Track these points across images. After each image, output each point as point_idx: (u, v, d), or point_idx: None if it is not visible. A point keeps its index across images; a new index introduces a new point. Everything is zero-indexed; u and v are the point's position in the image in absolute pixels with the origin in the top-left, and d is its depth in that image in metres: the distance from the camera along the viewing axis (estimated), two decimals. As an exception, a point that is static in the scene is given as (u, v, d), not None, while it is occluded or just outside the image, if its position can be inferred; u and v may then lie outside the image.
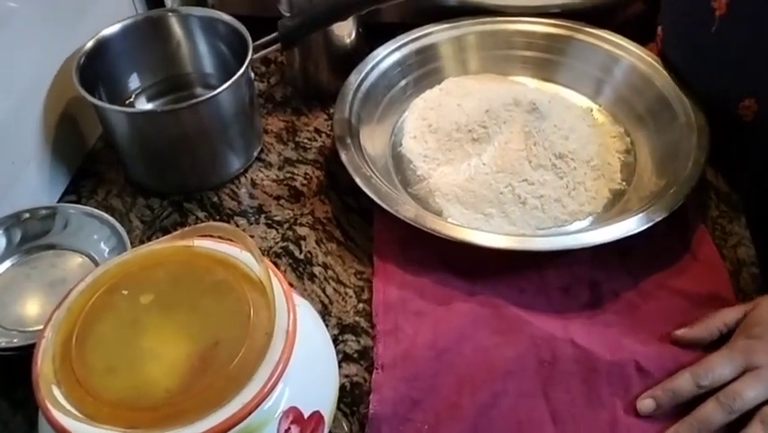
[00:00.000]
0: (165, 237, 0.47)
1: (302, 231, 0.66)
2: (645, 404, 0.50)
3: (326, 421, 0.45)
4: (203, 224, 0.46)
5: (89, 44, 0.67)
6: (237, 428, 0.38)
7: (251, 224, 0.67)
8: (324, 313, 0.60)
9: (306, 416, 0.43)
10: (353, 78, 0.71)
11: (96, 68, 0.68)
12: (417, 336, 0.54)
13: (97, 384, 0.40)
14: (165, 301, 0.44)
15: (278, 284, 0.44)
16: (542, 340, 0.53)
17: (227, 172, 0.70)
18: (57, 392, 0.39)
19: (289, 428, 0.42)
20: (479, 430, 0.49)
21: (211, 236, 0.47)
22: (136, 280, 0.45)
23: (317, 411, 0.44)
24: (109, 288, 0.44)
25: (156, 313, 0.43)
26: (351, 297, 0.61)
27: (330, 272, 0.63)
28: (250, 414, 0.38)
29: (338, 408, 0.53)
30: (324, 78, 0.78)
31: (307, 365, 0.44)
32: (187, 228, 0.46)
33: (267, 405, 0.40)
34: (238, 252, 0.46)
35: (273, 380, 0.39)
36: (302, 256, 0.64)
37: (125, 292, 0.44)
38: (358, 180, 0.62)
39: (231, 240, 0.46)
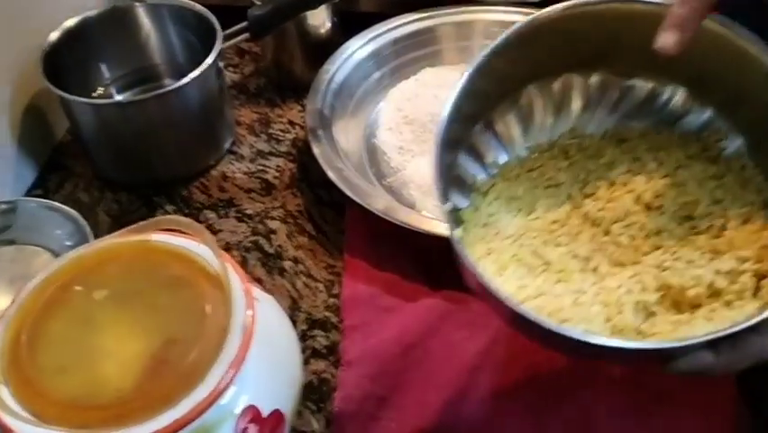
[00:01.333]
0: (121, 231, 0.45)
1: (273, 224, 0.65)
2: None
3: (287, 420, 0.43)
4: (159, 217, 0.45)
5: (54, 35, 0.65)
6: (189, 427, 0.37)
7: (221, 217, 0.66)
8: (294, 308, 0.58)
9: (265, 415, 0.42)
10: (327, 69, 0.70)
11: (63, 59, 0.66)
12: (384, 331, 0.53)
13: (47, 384, 0.39)
14: (119, 297, 0.42)
15: (236, 279, 0.42)
16: (509, 334, 0.52)
17: (197, 165, 0.69)
18: (4, 392, 0.38)
19: (247, 428, 0.41)
20: (446, 426, 0.48)
21: (170, 230, 0.46)
22: (90, 275, 0.43)
23: (277, 410, 0.43)
24: (63, 284, 0.43)
25: (110, 309, 0.42)
26: (321, 291, 0.59)
27: (300, 267, 0.61)
28: (202, 413, 0.37)
29: (305, 405, 0.52)
30: (299, 69, 0.76)
31: (268, 363, 0.43)
32: (143, 222, 0.45)
33: (221, 404, 0.39)
34: (197, 246, 0.44)
35: (228, 378, 0.38)
36: (272, 250, 0.63)
37: (79, 288, 0.43)
38: (329, 173, 0.60)
39: (188, 234, 0.45)
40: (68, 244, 0.58)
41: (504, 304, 0.34)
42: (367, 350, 0.53)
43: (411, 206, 0.62)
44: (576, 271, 0.39)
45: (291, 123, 0.74)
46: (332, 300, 0.59)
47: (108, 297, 0.42)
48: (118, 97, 0.72)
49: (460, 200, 0.43)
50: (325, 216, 0.65)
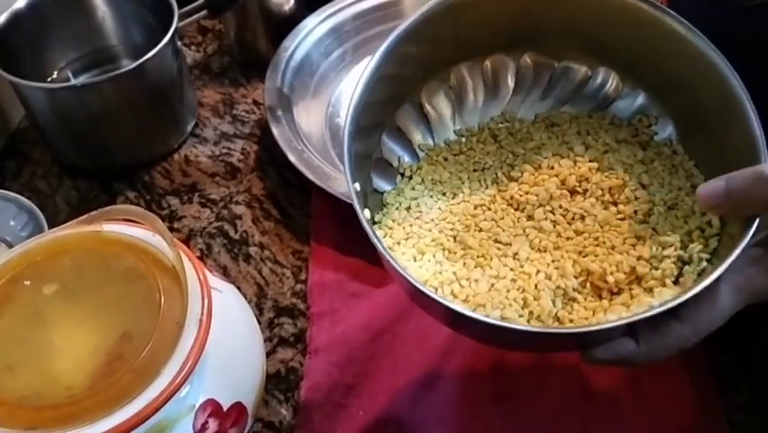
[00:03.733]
0: (71, 222, 0.43)
1: (238, 209, 0.63)
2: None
3: (250, 412, 0.42)
4: (111, 207, 0.43)
5: (3, 18, 0.62)
6: (145, 425, 0.36)
7: (184, 203, 0.64)
8: (260, 295, 0.57)
9: (225, 408, 0.41)
10: (285, 47, 0.68)
11: (14, 43, 0.63)
12: (352, 318, 0.52)
13: (-6, 383, 0.37)
14: (70, 291, 0.41)
15: (192, 270, 0.41)
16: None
17: (159, 149, 0.67)
18: (-51, 394, 0.37)
19: (207, 422, 0.39)
20: (415, 413, 0.47)
21: (124, 220, 0.44)
22: (39, 269, 0.42)
23: (239, 402, 0.41)
24: (10, 278, 0.41)
25: (60, 304, 0.40)
26: (288, 277, 0.58)
27: (266, 252, 0.60)
28: (158, 410, 0.36)
29: (273, 395, 0.51)
30: (263, 47, 0.74)
31: (228, 354, 0.42)
32: (94, 213, 0.43)
33: (178, 400, 0.37)
34: (151, 236, 0.43)
35: (184, 373, 0.37)
36: (237, 236, 0.61)
37: (27, 283, 0.41)
38: (289, 155, 0.59)
39: (142, 223, 0.43)
40: (24, 234, 0.56)
41: (411, 285, 0.33)
42: (334, 337, 0.52)
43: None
44: (496, 256, 0.38)
45: (256, 103, 0.72)
46: (299, 287, 0.57)
47: (58, 291, 0.41)
48: (73, 81, 0.69)
49: (384, 184, 0.43)
50: (292, 200, 0.63)
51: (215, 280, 0.44)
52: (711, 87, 0.38)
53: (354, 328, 0.52)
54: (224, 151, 0.68)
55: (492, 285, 0.37)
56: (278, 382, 0.52)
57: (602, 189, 0.40)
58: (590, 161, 0.41)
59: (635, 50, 0.41)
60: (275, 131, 0.61)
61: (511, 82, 0.45)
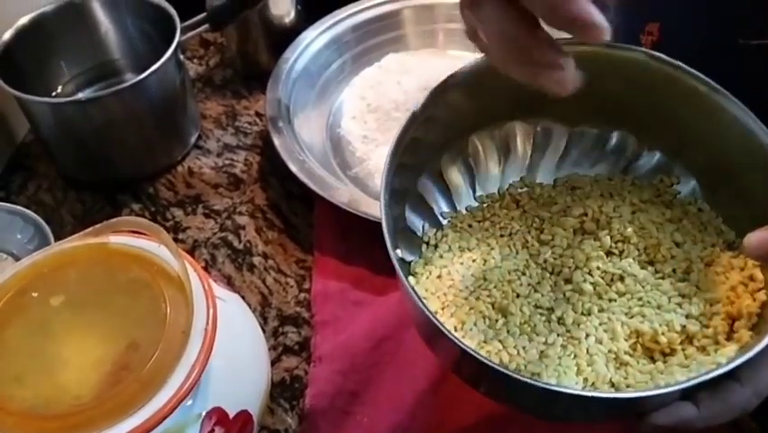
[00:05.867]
0: (77, 235, 0.44)
1: (241, 220, 0.64)
2: None
3: (255, 420, 0.43)
4: (116, 219, 0.44)
5: (8, 34, 0.63)
6: (152, 434, 0.36)
7: (188, 214, 0.64)
8: (264, 305, 0.57)
9: (231, 416, 0.41)
10: (286, 59, 0.69)
11: (19, 58, 0.64)
12: (356, 326, 0.52)
13: (3, 393, 0.38)
14: (77, 303, 0.41)
15: (196, 280, 0.41)
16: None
17: (162, 161, 0.68)
18: (-42, 405, 0.37)
19: (213, 430, 0.40)
20: (418, 418, 0.48)
21: (130, 232, 0.45)
22: (47, 281, 0.42)
23: (244, 411, 0.42)
24: (18, 290, 0.42)
25: (67, 316, 0.41)
26: (292, 286, 0.59)
27: (270, 262, 0.60)
28: (164, 419, 0.36)
29: (278, 403, 0.52)
30: (264, 59, 0.75)
31: (233, 364, 0.42)
32: (100, 225, 0.44)
33: (184, 408, 0.38)
34: (156, 247, 0.43)
35: (189, 382, 0.37)
36: (241, 246, 0.62)
37: (35, 295, 0.42)
38: (291, 165, 0.59)
39: (147, 235, 0.43)
40: (30, 247, 0.57)
41: (477, 361, 0.31)
42: (338, 345, 0.52)
43: (377, 196, 0.60)
44: (540, 322, 0.37)
45: (258, 114, 0.73)
46: (303, 295, 0.58)
47: (65, 303, 0.41)
48: (77, 95, 0.70)
49: (409, 254, 0.41)
50: (295, 210, 0.64)
51: (220, 290, 0.45)
52: (734, 141, 0.37)
53: (357, 336, 0.52)
54: (227, 162, 0.69)
55: (542, 352, 0.36)
56: (283, 390, 0.52)
57: (639, 249, 0.39)
58: (621, 221, 0.40)
59: (652, 110, 0.41)
60: (276, 142, 0.61)
61: (528, 148, 0.44)
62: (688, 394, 0.33)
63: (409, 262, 0.41)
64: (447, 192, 0.44)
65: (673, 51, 0.39)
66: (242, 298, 0.49)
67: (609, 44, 0.38)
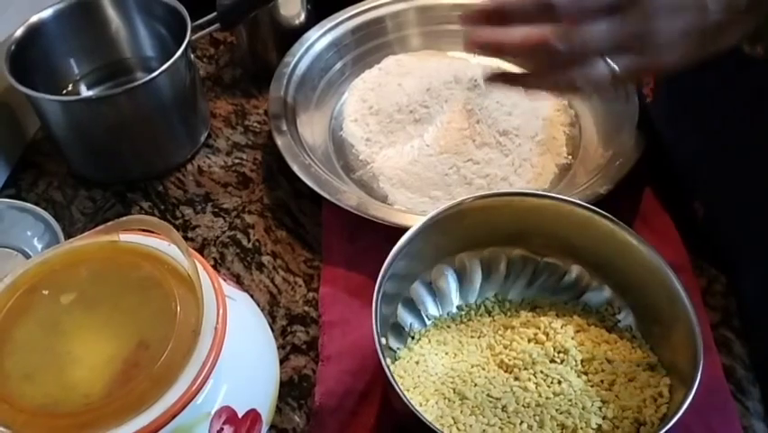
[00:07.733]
0: (88, 233, 0.44)
1: (250, 219, 0.64)
2: None
3: (264, 419, 0.43)
4: (127, 217, 0.44)
5: (20, 31, 0.64)
6: (162, 432, 0.36)
7: (198, 213, 0.65)
8: (273, 304, 0.58)
9: (240, 415, 0.41)
10: (287, 61, 0.69)
11: (30, 56, 0.64)
12: (364, 327, 0.52)
13: (14, 391, 0.38)
14: (87, 301, 0.42)
15: (206, 278, 0.41)
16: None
17: (172, 160, 0.68)
18: (-30, 401, 0.37)
19: (222, 429, 0.40)
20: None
21: (140, 230, 0.45)
22: (57, 279, 0.42)
23: (254, 409, 0.42)
24: (29, 288, 0.42)
25: (78, 313, 0.41)
26: (300, 286, 0.59)
27: (279, 261, 0.60)
28: (174, 417, 0.36)
29: (286, 402, 0.52)
30: (274, 59, 0.74)
31: (243, 362, 0.42)
32: (110, 223, 0.44)
33: (194, 407, 0.38)
34: (166, 245, 0.43)
35: (200, 380, 0.37)
36: (250, 245, 0.62)
37: (46, 293, 0.42)
38: (296, 169, 0.59)
39: (157, 233, 0.44)
40: (40, 245, 0.57)
41: (422, 423, 0.40)
42: (346, 345, 0.52)
43: (382, 199, 0.61)
44: (488, 407, 0.45)
45: (267, 114, 0.73)
46: (311, 295, 0.58)
47: (76, 300, 0.42)
48: (87, 93, 0.70)
49: (396, 343, 0.50)
50: (303, 209, 0.64)
51: (229, 289, 0.45)
52: (659, 288, 0.47)
53: (366, 338, 0.51)
54: (237, 161, 0.69)
55: (484, 430, 0.45)
56: (292, 389, 0.52)
57: (576, 360, 0.48)
58: (567, 337, 0.49)
59: (600, 254, 0.50)
60: (279, 142, 0.61)
61: (504, 270, 0.54)
62: None
63: (396, 349, 0.50)
64: (434, 298, 0.53)
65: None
66: (251, 296, 0.49)
67: (563, 198, 0.50)
